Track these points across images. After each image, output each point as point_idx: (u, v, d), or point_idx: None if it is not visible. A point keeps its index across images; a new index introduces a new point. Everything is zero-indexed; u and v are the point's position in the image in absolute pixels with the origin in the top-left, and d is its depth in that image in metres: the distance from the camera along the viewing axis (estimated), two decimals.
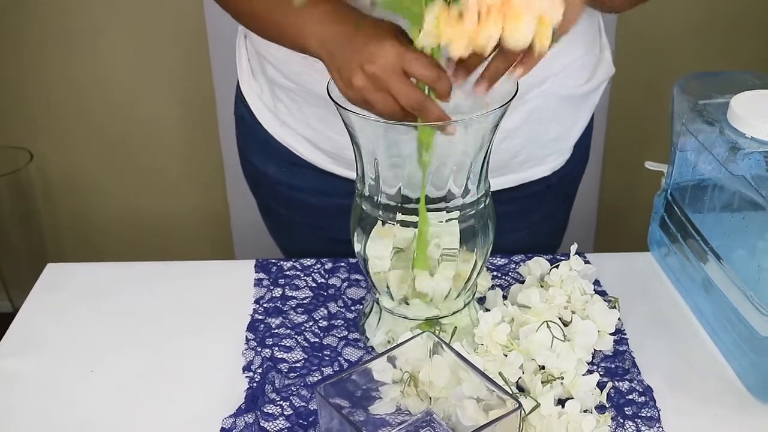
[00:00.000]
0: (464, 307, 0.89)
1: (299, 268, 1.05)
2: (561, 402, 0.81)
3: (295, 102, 1.04)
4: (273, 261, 1.06)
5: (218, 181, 2.00)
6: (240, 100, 1.14)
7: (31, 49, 1.88)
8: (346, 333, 0.95)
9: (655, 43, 1.86)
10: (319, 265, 1.05)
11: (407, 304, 0.87)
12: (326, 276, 1.03)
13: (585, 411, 0.81)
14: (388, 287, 0.86)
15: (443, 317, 0.88)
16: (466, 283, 0.86)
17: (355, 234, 0.86)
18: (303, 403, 0.85)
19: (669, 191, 1.02)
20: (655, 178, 1.05)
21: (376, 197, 0.82)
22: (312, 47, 0.82)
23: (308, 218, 1.14)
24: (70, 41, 1.87)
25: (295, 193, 1.12)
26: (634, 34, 1.82)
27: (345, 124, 0.80)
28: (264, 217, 1.23)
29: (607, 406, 0.84)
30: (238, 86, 1.14)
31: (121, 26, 1.86)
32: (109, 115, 1.95)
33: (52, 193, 2.03)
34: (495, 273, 1.02)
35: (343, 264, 1.05)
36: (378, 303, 0.90)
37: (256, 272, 1.04)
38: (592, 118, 1.11)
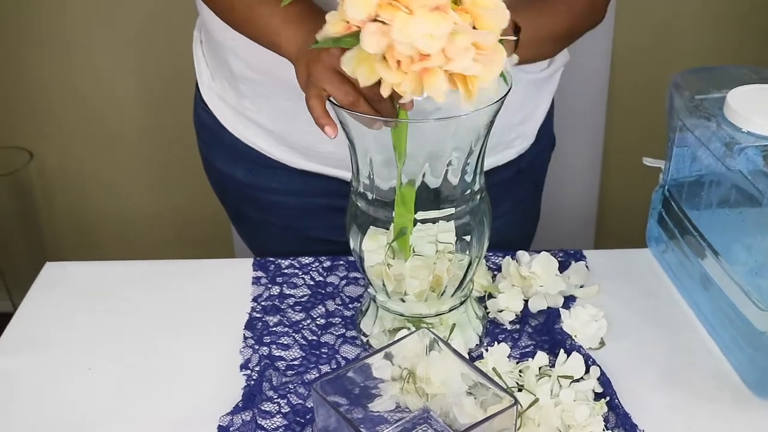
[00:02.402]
0: (461, 304, 0.89)
1: (297, 266, 1.05)
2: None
3: (263, 96, 1.03)
4: (271, 259, 1.06)
5: None
6: (201, 107, 1.12)
7: (29, 50, 1.88)
8: (344, 331, 0.95)
9: (653, 40, 1.86)
10: (317, 263, 1.05)
11: (403, 301, 0.87)
12: (324, 274, 1.03)
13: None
14: (383, 284, 0.86)
15: (440, 314, 0.88)
16: (462, 280, 0.86)
17: (351, 231, 0.86)
18: (300, 401, 0.85)
19: (666, 187, 1.02)
20: (653, 175, 1.05)
21: (370, 194, 0.82)
22: (284, 46, 0.83)
23: (280, 219, 1.13)
24: (69, 41, 1.87)
25: (265, 195, 1.11)
26: (632, 30, 1.82)
27: (339, 122, 0.80)
28: (234, 223, 1.22)
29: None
30: (197, 94, 1.13)
31: (118, 26, 1.86)
32: (108, 114, 1.95)
33: (51, 193, 2.03)
34: (496, 272, 1.01)
35: (341, 262, 1.05)
36: (375, 300, 0.90)
37: (254, 270, 1.04)
38: (552, 107, 1.14)
